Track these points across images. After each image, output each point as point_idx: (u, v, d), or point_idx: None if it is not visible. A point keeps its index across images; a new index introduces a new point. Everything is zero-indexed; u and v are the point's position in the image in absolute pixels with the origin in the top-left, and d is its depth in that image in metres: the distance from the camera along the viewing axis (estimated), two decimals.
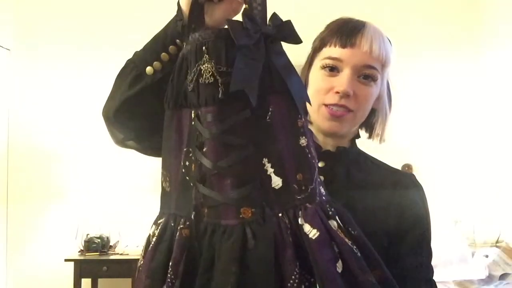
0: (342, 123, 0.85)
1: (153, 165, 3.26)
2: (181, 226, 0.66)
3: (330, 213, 0.65)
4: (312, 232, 0.61)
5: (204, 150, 0.63)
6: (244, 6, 0.67)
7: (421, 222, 0.91)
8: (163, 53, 0.74)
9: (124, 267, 2.94)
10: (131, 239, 3.17)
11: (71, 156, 3.06)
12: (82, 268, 2.93)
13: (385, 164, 0.96)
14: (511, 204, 2.98)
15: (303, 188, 0.63)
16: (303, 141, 0.64)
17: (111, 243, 3.07)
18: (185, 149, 0.67)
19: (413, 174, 0.99)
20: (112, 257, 2.97)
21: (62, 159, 3.21)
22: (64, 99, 3.33)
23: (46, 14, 3.39)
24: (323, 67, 0.85)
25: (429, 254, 0.89)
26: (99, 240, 2.99)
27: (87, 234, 3.02)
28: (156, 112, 0.73)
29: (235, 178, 0.63)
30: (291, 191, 0.63)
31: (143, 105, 0.76)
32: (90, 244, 2.97)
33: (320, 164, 0.86)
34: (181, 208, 0.68)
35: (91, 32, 3.38)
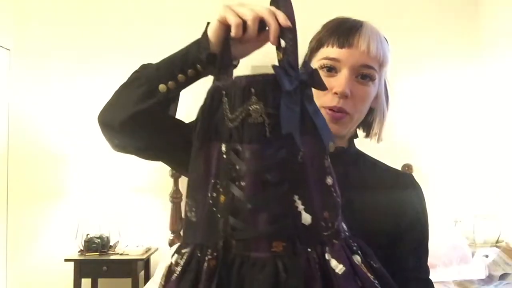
0: (341, 126, 0.86)
1: (153, 165, 3.27)
2: (209, 257, 0.67)
3: (354, 248, 0.69)
4: (338, 267, 0.65)
5: (238, 184, 0.66)
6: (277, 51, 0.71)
7: (420, 222, 0.91)
8: (180, 75, 0.77)
9: (124, 267, 2.93)
10: (131, 239, 3.18)
11: (71, 156, 3.06)
12: (82, 268, 2.93)
13: (384, 164, 0.97)
14: (511, 204, 2.99)
15: (330, 225, 0.67)
16: (329, 180, 0.68)
17: (111, 243, 3.07)
18: (212, 181, 0.69)
19: (412, 174, 0.99)
20: (112, 257, 2.97)
21: (62, 159, 3.22)
22: (64, 99, 3.33)
23: (46, 14, 3.40)
24: (321, 68, 0.85)
25: (427, 254, 0.90)
26: (99, 240, 2.99)
27: (87, 234, 3.01)
28: (161, 127, 0.76)
29: (270, 213, 0.65)
30: (318, 228, 0.66)
31: (149, 119, 0.78)
32: (90, 244, 2.97)
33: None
34: (207, 239, 0.68)
35: (91, 32, 3.38)
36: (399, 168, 3.14)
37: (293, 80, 0.66)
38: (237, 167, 0.66)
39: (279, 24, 0.69)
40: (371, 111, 0.92)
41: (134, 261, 2.92)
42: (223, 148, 0.67)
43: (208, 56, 0.74)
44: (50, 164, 3.27)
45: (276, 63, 0.70)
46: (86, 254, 2.96)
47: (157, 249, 3.18)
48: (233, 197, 0.66)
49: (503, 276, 2.14)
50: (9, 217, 3.27)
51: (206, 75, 0.77)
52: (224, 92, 0.68)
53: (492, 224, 2.92)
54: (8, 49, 3.32)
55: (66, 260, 2.94)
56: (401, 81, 3.31)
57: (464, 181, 2.96)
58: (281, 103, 0.64)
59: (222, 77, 0.72)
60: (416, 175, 3.49)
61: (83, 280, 2.95)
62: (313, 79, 0.69)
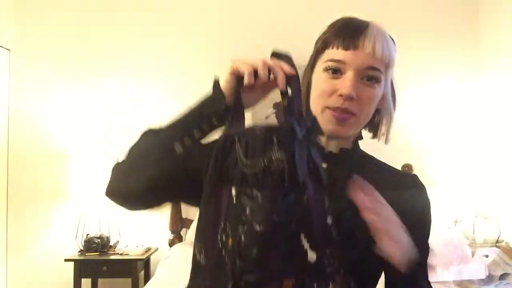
0: (346, 127, 0.85)
1: None
2: None
3: (352, 284, 0.74)
4: None
5: (248, 227, 0.68)
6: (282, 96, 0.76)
7: (424, 223, 0.91)
8: (195, 130, 0.78)
9: (124, 267, 2.93)
10: (131, 239, 3.18)
11: (71, 156, 3.06)
12: (82, 268, 2.93)
13: (388, 165, 0.97)
14: (511, 204, 2.98)
15: (332, 261, 0.70)
16: (329, 220, 0.72)
17: (111, 243, 3.07)
18: (222, 224, 0.70)
19: (416, 175, 0.98)
20: (112, 257, 2.97)
21: (62, 159, 3.22)
22: (64, 99, 3.34)
23: (46, 14, 3.40)
24: (326, 69, 0.84)
25: (428, 255, 0.90)
26: (99, 240, 2.99)
27: (87, 234, 3.02)
28: (178, 180, 0.78)
29: (279, 253, 0.68)
30: (323, 265, 0.70)
31: (166, 179, 0.79)
32: (90, 244, 2.97)
33: (323, 166, 0.87)
34: (216, 281, 0.70)
35: (91, 32, 3.38)
36: (399, 168, 3.14)
37: (303, 128, 0.69)
38: (247, 211, 0.67)
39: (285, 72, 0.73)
40: (377, 111, 0.92)
41: (134, 261, 2.92)
42: (233, 191, 0.69)
43: (225, 108, 0.77)
44: (50, 164, 3.27)
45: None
46: (86, 254, 2.96)
47: (157, 249, 3.18)
48: (241, 240, 0.68)
49: (503, 276, 2.14)
50: (9, 217, 3.27)
51: (220, 126, 0.79)
52: (236, 139, 0.70)
53: (492, 224, 2.92)
54: (8, 49, 3.32)
55: (66, 260, 2.94)
56: (401, 82, 3.31)
57: (464, 181, 2.96)
58: (296, 151, 0.68)
59: (234, 125, 0.75)
60: (416, 175, 3.47)
61: (83, 280, 2.95)
62: (315, 126, 0.72)
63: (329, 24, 0.90)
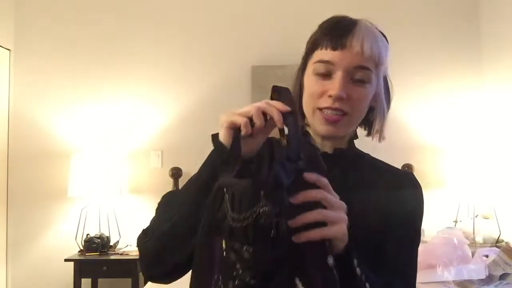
0: (338, 127, 0.85)
1: (154, 165, 3.27)
2: None
3: None
4: None
5: (240, 282, 0.66)
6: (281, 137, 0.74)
7: (415, 221, 0.92)
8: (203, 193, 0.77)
9: (124, 267, 2.93)
10: (131, 239, 3.18)
11: (72, 156, 3.06)
12: (82, 268, 2.93)
13: (385, 163, 0.96)
14: (511, 204, 2.98)
15: None
16: (330, 261, 0.67)
17: (111, 243, 3.07)
18: (215, 276, 0.69)
19: (413, 173, 0.98)
20: (112, 257, 2.96)
21: (62, 159, 3.22)
22: (64, 99, 3.34)
23: (46, 14, 3.40)
24: (316, 73, 0.84)
25: (417, 248, 0.92)
26: (99, 240, 2.99)
27: (87, 234, 3.01)
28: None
29: None
30: None
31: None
32: (90, 244, 2.96)
33: None
34: None
35: (91, 32, 3.38)
36: (399, 168, 3.15)
37: (291, 174, 0.66)
38: (238, 266, 0.66)
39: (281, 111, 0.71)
40: (371, 109, 0.91)
41: (134, 261, 2.92)
42: (224, 244, 0.68)
43: (226, 160, 0.76)
44: (50, 164, 3.27)
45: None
46: (86, 254, 2.95)
47: None
48: None
49: (503, 276, 2.14)
50: (9, 217, 3.27)
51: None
52: (225, 190, 0.68)
53: (492, 224, 2.92)
54: (8, 49, 3.33)
55: (66, 260, 2.94)
56: (401, 82, 3.31)
57: (464, 181, 2.96)
58: (284, 199, 0.65)
59: (226, 173, 0.72)
60: (416, 175, 3.48)
61: (83, 280, 2.95)
62: (312, 165, 0.69)
63: (320, 24, 0.89)
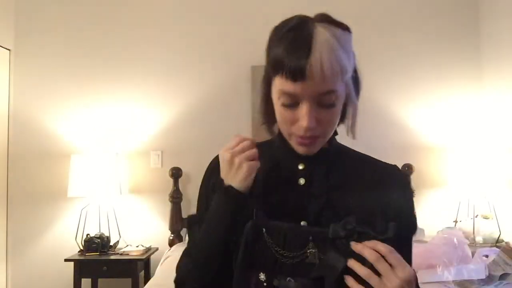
0: (315, 147, 0.86)
1: (154, 165, 3.27)
2: None
3: None
4: None
5: None
6: None
7: (407, 213, 0.90)
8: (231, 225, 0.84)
9: (124, 267, 2.93)
10: (131, 239, 3.18)
11: (72, 156, 3.06)
12: (82, 268, 2.93)
13: (370, 157, 0.95)
14: (511, 204, 2.98)
15: None
16: None
17: (111, 243, 3.07)
18: None
19: (396, 165, 0.95)
20: (112, 257, 2.96)
21: (62, 159, 3.22)
22: (64, 99, 3.34)
23: (46, 14, 3.40)
24: (282, 104, 0.82)
25: (411, 248, 0.89)
26: (99, 240, 2.99)
27: (87, 234, 3.01)
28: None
29: None
30: None
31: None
32: (90, 244, 2.96)
33: (300, 167, 0.89)
34: None
35: (92, 32, 3.38)
36: (399, 168, 3.15)
37: (340, 233, 0.77)
38: None
39: None
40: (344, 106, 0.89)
41: (134, 261, 2.92)
42: (262, 276, 0.80)
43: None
44: (50, 164, 3.27)
45: None
46: (86, 254, 2.95)
47: (157, 249, 3.18)
48: None
49: (503, 276, 2.14)
50: (9, 217, 3.27)
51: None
52: (264, 230, 0.81)
53: (492, 224, 2.92)
54: (8, 49, 3.33)
55: (66, 260, 2.94)
56: (401, 82, 3.31)
57: (464, 181, 2.96)
58: (328, 251, 0.77)
59: (257, 215, 0.83)
60: (417, 175, 3.49)
61: (83, 280, 2.95)
62: (355, 234, 0.76)
63: (274, 29, 0.84)
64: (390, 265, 0.72)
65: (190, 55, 3.36)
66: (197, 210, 0.96)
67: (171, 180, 3.17)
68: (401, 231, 0.81)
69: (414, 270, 0.74)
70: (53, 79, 3.35)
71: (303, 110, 0.80)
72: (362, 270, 0.73)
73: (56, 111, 3.33)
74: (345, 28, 0.81)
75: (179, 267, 0.91)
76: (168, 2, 3.41)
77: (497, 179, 2.91)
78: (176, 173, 3.15)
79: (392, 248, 0.73)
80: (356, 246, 0.74)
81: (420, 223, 3.02)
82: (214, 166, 0.93)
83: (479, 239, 2.86)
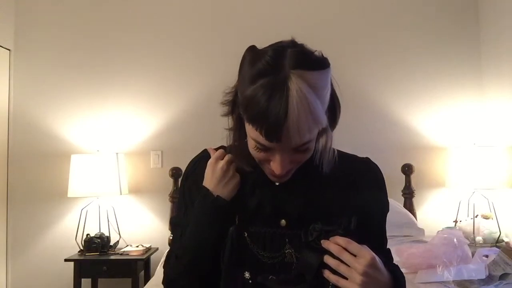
0: (288, 176, 0.86)
1: (154, 165, 3.27)
2: None
3: None
4: None
5: None
6: None
7: (377, 197, 0.94)
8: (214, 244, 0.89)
9: (124, 267, 2.94)
10: (131, 239, 3.18)
11: (72, 156, 3.06)
12: (82, 268, 2.93)
13: (343, 153, 0.94)
14: (511, 204, 2.98)
15: None
16: None
17: (111, 243, 3.07)
18: None
19: (368, 158, 0.97)
20: (112, 257, 2.96)
21: (62, 158, 3.22)
22: (64, 99, 3.34)
23: (46, 14, 3.40)
24: (255, 147, 0.81)
25: (385, 234, 0.97)
26: (99, 240, 2.99)
27: (87, 234, 3.01)
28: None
29: None
30: None
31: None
32: (90, 244, 2.96)
33: (277, 184, 0.90)
34: None
35: (92, 32, 3.38)
36: (399, 168, 3.15)
37: (315, 233, 0.83)
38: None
39: None
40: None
41: (134, 261, 2.92)
42: (247, 275, 0.87)
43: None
44: (50, 164, 3.27)
45: None
46: (86, 254, 2.95)
47: (157, 249, 3.18)
48: None
49: (503, 276, 2.13)
50: (9, 217, 3.27)
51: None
52: (246, 235, 0.88)
53: (492, 224, 2.92)
54: (8, 49, 3.33)
55: (66, 260, 2.94)
56: (402, 82, 3.31)
57: (464, 181, 2.96)
58: (306, 250, 0.83)
59: (240, 220, 0.90)
60: (417, 175, 3.48)
61: (83, 280, 2.95)
62: (348, 231, 0.82)
63: (248, 59, 0.80)
64: (354, 254, 0.78)
65: (190, 55, 3.36)
66: (177, 212, 1.00)
67: (171, 180, 3.17)
68: (376, 213, 0.93)
69: (373, 253, 0.80)
70: (53, 79, 3.35)
71: (276, 159, 0.80)
72: (332, 261, 0.80)
73: (56, 111, 3.33)
74: (322, 66, 0.76)
75: (168, 270, 0.94)
76: (167, 3, 3.41)
77: (497, 179, 2.91)
78: (176, 173, 3.15)
79: (350, 240, 0.79)
80: (324, 244, 0.81)
81: (420, 223, 3.02)
82: (188, 172, 1.00)
83: (479, 239, 2.86)
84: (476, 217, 2.91)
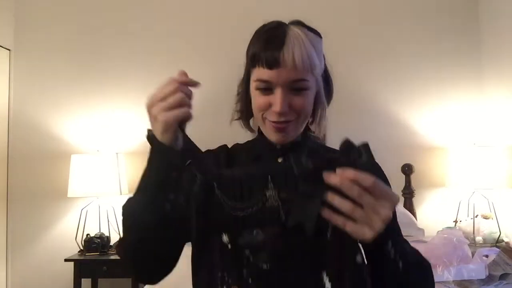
0: (287, 134, 0.91)
1: None
2: None
3: None
4: None
5: (253, 269, 0.64)
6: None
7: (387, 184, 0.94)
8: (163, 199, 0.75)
9: (124, 267, 2.92)
10: None
11: (72, 156, 3.06)
12: (82, 268, 2.93)
13: (334, 149, 0.98)
14: (511, 204, 2.98)
15: None
16: (359, 259, 0.65)
17: (111, 243, 3.07)
18: (220, 274, 0.67)
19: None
20: (112, 257, 2.96)
21: (62, 158, 3.22)
22: (64, 99, 3.34)
23: (46, 14, 3.40)
24: (257, 88, 0.90)
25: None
26: (99, 240, 2.99)
27: (87, 234, 3.01)
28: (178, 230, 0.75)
29: None
30: None
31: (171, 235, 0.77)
32: (90, 244, 2.96)
33: (280, 160, 0.94)
34: None
35: (92, 32, 3.38)
36: (399, 168, 3.15)
37: (308, 162, 0.64)
38: (247, 253, 0.64)
39: None
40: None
41: None
42: (225, 238, 0.66)
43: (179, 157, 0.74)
44: (50, 164, 3.27)
45: None
46: (86, 254, 2.95)
47: None
48: (248, 284, 0.63)
49: (503, 276, 2.14)
50: (9, 217, 3.27)
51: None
52: (215, 185, 0.67)
53: (492, 224, 2.92)
54: (8, 49, 3.33)
55: (66, 260, 2.93)
56: (401, 82, 3.31)
57: (464, 181, 2.96)
58: (299, 188, 0.63)
59: (199, 168, 0.70)
60: (417, 175, 3.47)
61: (83, 280, 2.95)
62: (348, 157, 0.64)
63: (255, 32, 0.95)
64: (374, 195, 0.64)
65: (189, 54, 3.36)
66: None
67: None
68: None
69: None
70: (53, 79, 3.35)
71: (277, 95, 0.87)
72: (346, 205, 0.63)
73: (56, 111, 3.33)
74: (316, 33, 0.92)
75: (124, 209, 0.84)
76: (168, 2, 3.41)
77: (497, 179, 2.91)
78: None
79: (375, 177, 0.63)
80: (331, 178, 0.63)
81: (420, 223, 3.02)
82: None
83: (479, 239, 2.86)
84: (476, 217, 2.91)
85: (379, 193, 0.63)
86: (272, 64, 0.86)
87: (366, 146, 0.65)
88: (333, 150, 0.98)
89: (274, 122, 0.89)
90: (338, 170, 0.62)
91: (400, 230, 0.86)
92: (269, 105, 0.89)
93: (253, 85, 0.92)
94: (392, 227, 0.68)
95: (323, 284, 0.63)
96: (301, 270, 0.63)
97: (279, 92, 0.87)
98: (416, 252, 0.82)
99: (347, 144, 0.65)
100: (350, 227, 0.62)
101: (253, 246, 0.64)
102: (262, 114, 0.91)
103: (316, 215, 0.62)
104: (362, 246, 0.68)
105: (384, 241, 0.67)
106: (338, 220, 0.63)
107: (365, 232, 0.62)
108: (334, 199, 0.62)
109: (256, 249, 0.63)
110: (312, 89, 0.91)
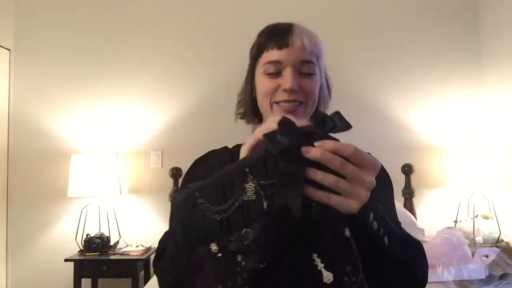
0: (296, 116, 0.84)
1: (154, 165, 3.26)
2: None
3: None
4: None
5: (247, 273, 0.60)
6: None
7: (388, 181, 0.99)
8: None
9: (124, 267, 2.93)
10: (131, 239, 3.18)
11: (72, 156, 3.06)
12: (82, 268, 2.93)
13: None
14: (511, 204, 2.98)
15: (353, 279, 0.62)
16: (347, 232, 0.63)
17: (111, 243, 3.07)
18: None
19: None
20: (112, 257, 2.96)
21: (63, 158, 3.22)
22: (64, 99, 3.34)
23: (46, 14, 3.40)
24: (266, 73, 0.92)
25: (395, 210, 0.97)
26: (99, 240, 2.99)
27: (87, 234, 3.01)
28: None
29: (287, 281, 0.61)
30: (342, 284, 0.61)
31: None
32: (90, 244, 2.96)
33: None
34: None
35: (92, 32, 3.38)
36: (399, 168, 3.16)
37: (287, 139, 0.59)
38: (239, 258, 0.60)
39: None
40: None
41: (134, 261, 2.92)
42: (214, 247, 0.62)
43: None
44: (50, 164, 3.27)
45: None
46: (86, 254, 2.95)
47: None
48: (243, 268, 0.60)
49: (503, 276, 2.14)
50: (9, 217, 3.27)
51: None
52: (197, 194, 0.63)
53: (492, 224, 2.92)
54: (8, 49, 3.33)
55: (66, 260, 2.93)
56: (401, 83, 3.31)
57: (464, 181, 2.96)
58: (279, 167, 0.58)
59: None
60: (417, 175, 3.48)
61: (83, 280, 2.95)
62: (324, 126, 0.62)
63: (258, 33, 0.98)
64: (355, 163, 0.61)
65: (190, 55, 3.36)
66: None
67: (171, 180, 3.17)
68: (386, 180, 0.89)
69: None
70: (53, 79, 3.35)
71: (287, 73, 0.90)
72: (329, 178, 0.59)
73: (56, 111, 3.33)
74: (317, 36, 0.95)
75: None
76: (168, 3, 3.41)
77: (497, 179, 2.91)
78: (176, 173, 3.15)
79: (353, 145, 0.60)
80: (310, 153, 0.59)
81: (420, 223, 3.02)
82: (189, 172, 1.00)
83: (479, 239, 2.86)
84: (476, 217, 2.91)
85: (361, 161, 0.61)
86: (282, 44, 0.90)
87: (338, 114, 0.63)
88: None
89: (284, 102, 0.90)
90: (317, 143, 0.60)
91: (397, 215, 0.91)
92: (278, 87, 0.91)
93: (260, 70, 0.94)
94: (374, 205, 0.66)
95: (315, 265, 0.60)
96: (295, 258, 0.60)
97: (289, 71, 0.90)
98: (408, 235, 0.79)
99: (319, 116, 0.63)
100: (335, 200, 0.60)
101: (246, 247, 0.60)
102: (270, 99, 0.92)
103: (299, 193, 0.58)
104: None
105: (366, 213, 0.64)
106: (322, 196, 0.60)
107: (351, 203, 0.60)
108: (317, 174, 0.59)
109: (249, 249, 0.60)
110: (318, 76, 0.94)
